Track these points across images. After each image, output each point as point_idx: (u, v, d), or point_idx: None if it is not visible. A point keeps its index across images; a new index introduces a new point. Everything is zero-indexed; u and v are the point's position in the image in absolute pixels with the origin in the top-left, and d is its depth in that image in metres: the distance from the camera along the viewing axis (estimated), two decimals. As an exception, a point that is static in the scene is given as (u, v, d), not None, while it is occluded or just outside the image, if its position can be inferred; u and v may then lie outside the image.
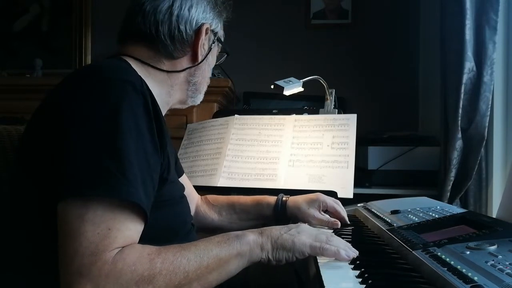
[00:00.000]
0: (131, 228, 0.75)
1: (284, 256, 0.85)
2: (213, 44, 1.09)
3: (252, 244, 0.83)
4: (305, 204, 1.25)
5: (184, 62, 1.05)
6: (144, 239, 0.78)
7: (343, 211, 1.25)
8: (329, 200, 1.26)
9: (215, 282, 0.80)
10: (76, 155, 0.76)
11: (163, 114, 1.06)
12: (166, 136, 0.88)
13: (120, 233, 0.73)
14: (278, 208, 1.28)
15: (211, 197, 1.37)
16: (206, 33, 1.05)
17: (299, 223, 0.93)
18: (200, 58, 1.05)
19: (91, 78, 0.85)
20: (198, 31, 1.03)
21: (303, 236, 0.87)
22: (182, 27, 1.01)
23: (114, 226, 0.73)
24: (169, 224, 0.94)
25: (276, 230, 0.87)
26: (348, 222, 1.24)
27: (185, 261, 0.76)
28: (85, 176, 0.74)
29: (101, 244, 0.71)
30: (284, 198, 1.30)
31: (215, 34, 1.09)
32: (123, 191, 0.74)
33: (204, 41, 1.05)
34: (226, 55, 1.19)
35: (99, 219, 0.72)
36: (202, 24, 1.03)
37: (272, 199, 1.30)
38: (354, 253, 0.86)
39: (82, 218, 0.72)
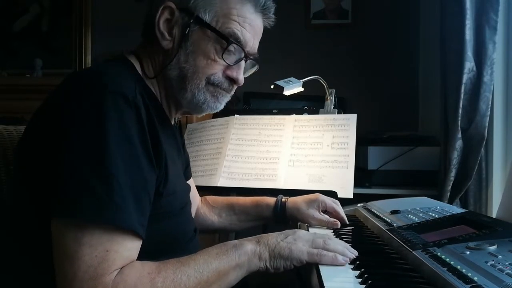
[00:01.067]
0: (128, 247, 0.75)
1: (282, 264, 0.85)
2: (191, 29, 0.92)
3: (250, 254, 0.83)
4: (304, 205, 1.25)
5: (161, 56, 0.95)
6: (142, 251, 0.78)
7: (342, 211, 1.25)
8: (328, 200, 1.26)
9: None
10: (67, 174, 0.74)
11: (174, 116, 1.04)
12: (163, 147, 0.85)
13: (118, 255, 0.73)
14: (278, 209, 1.27)
15: (211, 198, 1.36)
16: (172, 15, 0.92)
17: (295, 229, 0.92)
18: (162, 42, 0.92)
19: (84, 88, 0.82)
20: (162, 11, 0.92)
21: (300, 243, 0.86)
22: (153, 11, 0.93)
23: (112, 247, 0.72)
24: (167, 236, 0.93)
25: (273, 238, 0.87)
26: (347, 222, 1.24)
27: (185, 277, 0.76)
28: (74, 199, 0.73)
29: (99, 268, 0.70)
30: (283, 199, 1.29)
31: (190, 13, 0.92)
32: (112, 215, 0.73)
33: (161, 20, 0.92)
34: (228, 44, 0.93)
35: (96, 242, 0.71)
36: (164, 2, 0.92)
37: (271, 200, 1.30)
38: (352, 254, 0.86)
39: (79, 242, 0.71)
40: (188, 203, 1.04)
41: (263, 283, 1.20)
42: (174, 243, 0.95)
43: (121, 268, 0.73)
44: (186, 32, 0.91)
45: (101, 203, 0.72)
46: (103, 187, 0.73)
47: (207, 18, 0.92)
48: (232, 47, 0.95)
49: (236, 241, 0.85)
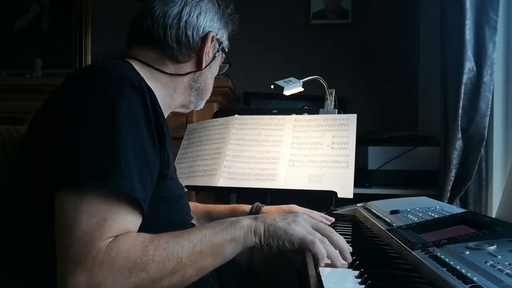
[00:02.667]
0: (126, 219, 0.76)
1: (275, 243, 0.85)
2: (217, 53, 1.12)
3: (246, 228, 0.84)
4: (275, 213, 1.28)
5: (188, 67, 1.07)
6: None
7: (317, 216, 1.26)
8: (301, 210, 1.29)
9: (210, 267, 0.80)
10: (73, 149, 0.77)
11: (165, 116, 1.07)
12: (166, 134, 0.89)
13: (115, 224, 0.74)
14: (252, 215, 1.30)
15: (192, 203, 1.39)
16: (212, 41, 1.08)
17: (298, 213, 0.93)
18: (204, 64, 1.08)
19: (90, 76, 0.87)
20: (204, 38, 1.06)
21: (297, 226, 0.86)
22: (189, 33, 1.04)
23: (109, 216, 0.74)
24: (168, 220, 0.94)
25: (272, 217, 0.88)
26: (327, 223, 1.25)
27: (178, 247, 0.76)
28: (81, 168, 0.75)
29: (95, 234, 0.72)
30: (258, 206, 1.34)
31: (220, 43, 1.12)
32: (117, 182, 0.75)
33: (209, 49, 1.08)
34: (228, 66, 1.22)
35: (94, 210, 0.73)
36: (209, 32, 1.06)
37: (247, 207, 1.35)
38: (341, 262, 0.83)
39: (77, 209, 0.73)
40: (184, 195, 1.07)
41: (264, 282, 1.20)
42: (175, 229, 0.96)
43: (117, 236, 0.74)
44: (215, 56, 1.12)
45: (107, 172, 0.75)
46: (110, 158, 0.76)
47: (225, 44, 1.15)
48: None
49: (234, 218, 0.86)
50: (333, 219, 1.27)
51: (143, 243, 0.75)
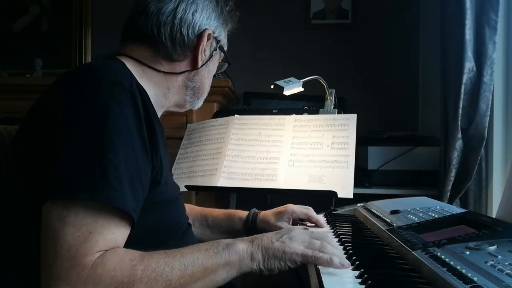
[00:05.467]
0: (114, 232, 0.74)
1: (276, 265, 0.83)
2: (214, 52, 1.09)
3: (241, 253, 0.81)
4: (272, 218, 1.27)
5: (183, 65, 1.04)
6: (138, 241, 0.77)
7: (315, 215, 1.26)
8: (298, 209, 1.27)
9: None
10: (63, 158, 0.75)
11: (159, 115, 1.06)
12: (158, 137, 0.87)
13: (102, 237, 0.72)
14: (249, 223, 1.29)
15: (188, 206, 1.37)
16: (208, 39, 1.05)
17: (291, 227, 0.92)
18: (200, 63, 1.05)
19: (80, 79, 0.85)
20: (200, 36, 1.03)
21: (294, 243, 0.84)
22: (184, 30, 1.01)
23: (96, 229, 0.72)
24: (163, 225, 0.93)
25: (268, 238, 0.85)
26: (323, 226, 1.24)
27: (168, 269, 0.74)
28: (68, 179, 0.73)
29: (81, 248, 0.70)
30: (255, 213, 1.31)
31: (217, 41, 1.09)
32: (106, 195, 0.73)
33: (205, 47, 1.05)
34: (227, 65, 1.18)
35: (80, 222, 0.71)
36: (205, 30, 1.03)
37: (244, 213, 1.32)
38: (347, 263, 0.83)
39: (63, 221, 0.71)
40: (179, 197, 1.05)
41: (262, 283, 1.20)
42: (171, 233, 0.96)
43: (104, 251, 0.72)
44: (213, 54, 1.08)
45: (95, 183, 0.73)
46: (99, 168, 0.74)
47: (223, 42, 1.12)
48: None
49: (229, 240, 0.84)
50: (324, 228, 1.24)
51: (132, 261, 0.72)
